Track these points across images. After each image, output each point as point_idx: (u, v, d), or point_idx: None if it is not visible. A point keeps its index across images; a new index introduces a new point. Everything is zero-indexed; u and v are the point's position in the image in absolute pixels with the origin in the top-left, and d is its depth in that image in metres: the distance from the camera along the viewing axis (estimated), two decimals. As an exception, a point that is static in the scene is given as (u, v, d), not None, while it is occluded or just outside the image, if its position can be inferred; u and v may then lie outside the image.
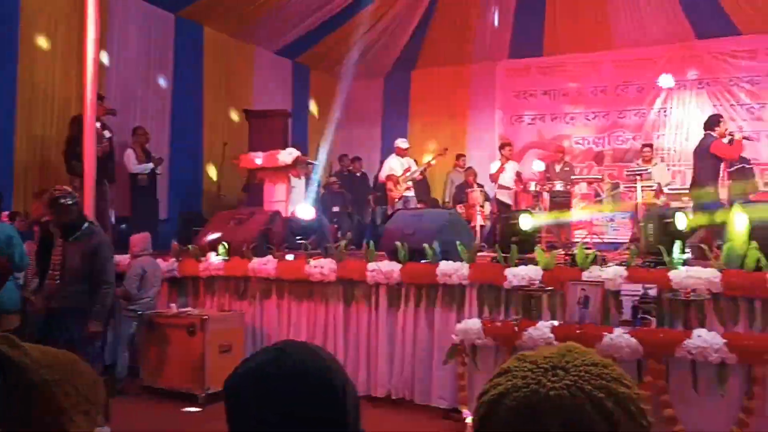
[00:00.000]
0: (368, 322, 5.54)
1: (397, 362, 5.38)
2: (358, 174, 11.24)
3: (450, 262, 5.29)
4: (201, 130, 9.91)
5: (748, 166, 8.48)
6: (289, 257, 6.39)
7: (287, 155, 8.10)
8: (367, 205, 10.95)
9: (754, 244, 4.36)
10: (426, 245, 5.38)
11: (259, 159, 8.33)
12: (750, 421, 3.85)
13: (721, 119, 7.05)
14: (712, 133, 6.82)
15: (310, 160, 8.95)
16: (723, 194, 7.37)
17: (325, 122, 10.88)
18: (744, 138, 7.32)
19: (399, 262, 5.49)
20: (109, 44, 8.32)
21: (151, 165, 8.20)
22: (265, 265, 6.17)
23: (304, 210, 7.77)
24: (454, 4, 10.46)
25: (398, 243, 5.51)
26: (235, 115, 10.21)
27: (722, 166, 7.31)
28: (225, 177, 9.49)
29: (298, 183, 8.53)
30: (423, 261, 5.44)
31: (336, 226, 9.48)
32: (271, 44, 10.90)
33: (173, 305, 6.18)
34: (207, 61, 9.99)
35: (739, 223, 4.51)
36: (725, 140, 6.93)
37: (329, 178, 10.86)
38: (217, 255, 6.52)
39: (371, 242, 5.80)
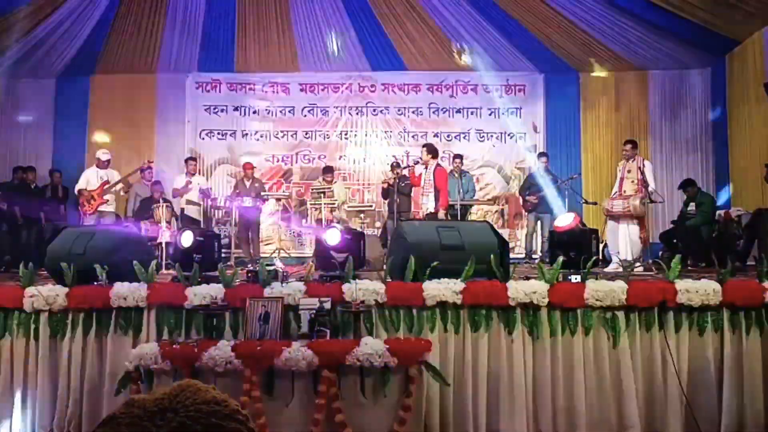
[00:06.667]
0: (25, 356, 4.83)
1: (61, 398, 4.79)
2: (33, 186, 9.95)
3: (126, 283, 4.93)
4: None
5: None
6: None
7: None
8: (40, 222, 9.71)
9: (412, 258, 4.91)
10: (97, 266, 4.91)
11: None
12: (407, 417, 4.29)
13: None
14: None
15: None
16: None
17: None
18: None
19: (65, 285, 4.92)
20: None
21: None
22: None
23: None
24: (133, 14, 9.87)
25: (64, 264, 4.95)
26: None
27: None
28: None
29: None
30: (95, 283, 4.97)
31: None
32: None
33: None
34: None
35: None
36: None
37: None
38: None
39: (30, 264, 5.09)
